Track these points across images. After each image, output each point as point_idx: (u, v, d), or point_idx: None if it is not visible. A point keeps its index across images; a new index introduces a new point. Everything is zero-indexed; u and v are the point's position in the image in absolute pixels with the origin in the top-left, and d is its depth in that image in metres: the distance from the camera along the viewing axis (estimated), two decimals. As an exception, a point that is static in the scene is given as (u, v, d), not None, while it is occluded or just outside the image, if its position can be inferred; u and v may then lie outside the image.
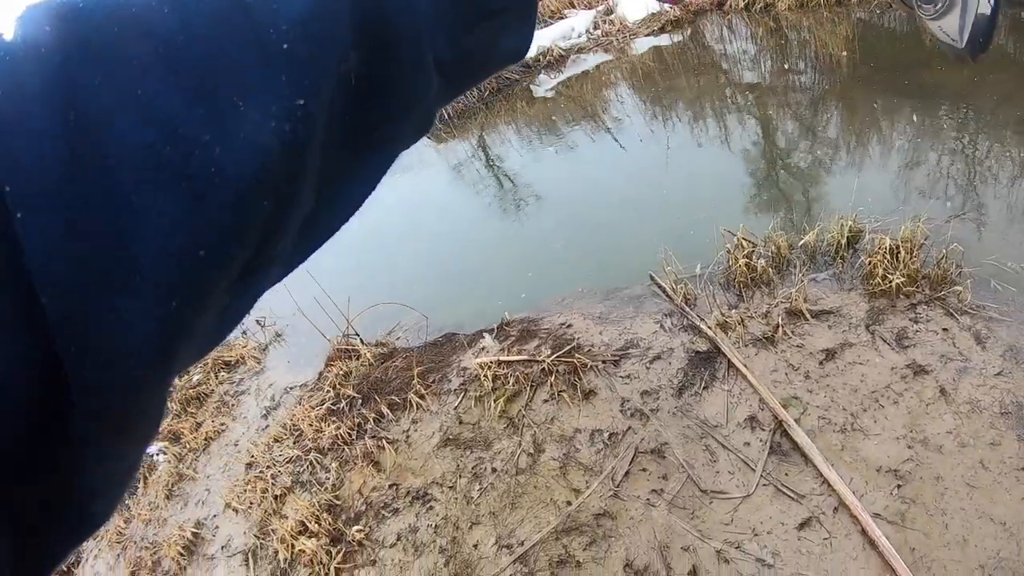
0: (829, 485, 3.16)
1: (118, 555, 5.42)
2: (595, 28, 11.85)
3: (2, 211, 0.30)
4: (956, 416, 3.29)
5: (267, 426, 5.47)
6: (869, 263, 4.16)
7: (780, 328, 3.98)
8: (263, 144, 0.36)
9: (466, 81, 0.51)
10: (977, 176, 4.98)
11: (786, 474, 3.31)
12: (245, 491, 4.74)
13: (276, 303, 7.03)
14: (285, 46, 0.37)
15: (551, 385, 4.20)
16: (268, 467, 4.79)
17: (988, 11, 0.59)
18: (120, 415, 0.35)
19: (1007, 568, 2.71)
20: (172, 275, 0.34)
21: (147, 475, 5.78)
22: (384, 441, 4.40)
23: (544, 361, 4.32)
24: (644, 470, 3.55)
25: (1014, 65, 6.61)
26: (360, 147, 0.44)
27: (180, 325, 0.35)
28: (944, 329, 3.75)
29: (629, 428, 3.78)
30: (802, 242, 4.55)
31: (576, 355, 4.28)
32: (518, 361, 4.44)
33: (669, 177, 6.60)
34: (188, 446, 5.77)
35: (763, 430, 3.53)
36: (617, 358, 4.23)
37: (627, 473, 3.56)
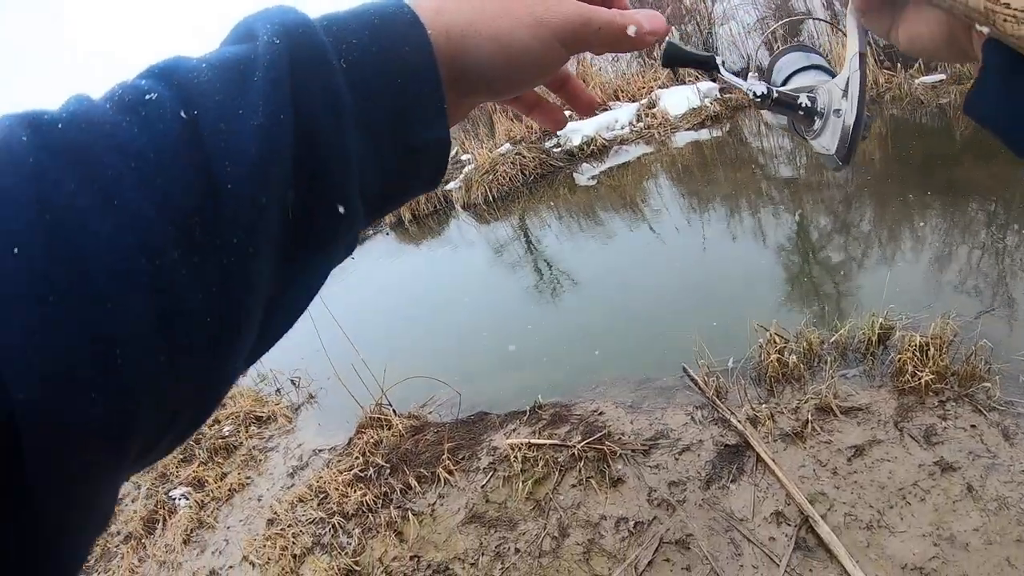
0: (854, 583, 3.16)
1: (127, 593, 5.44)
2: (638, 120, 12.13)
3: None
4: (983, 513, 3.28)
5: (292, 485, 5.52)
6: (899, 360, 4.19)
7: (809, 424, 4.01)
8: (213, 276, 0.39)
9: (387, 208, 0.55)
10: (1007, 271, 5.02)
11: (810, 570, 3.29)
12: (264, 546, 4.77)
13: (313, 365, 7.14)
14: (231, 186, 0.40)
15: (580, 471, 4.23)
16: (290, 525, 4.83)
17: (850, 130, 0.76)
18: (72, 501, 0.37)
19: (1034, 670, 2.71)
20: (141, 377, 0.36)
21: (167, 517, 5.82)
22: (409, 512, 4.44)
23: (574, 447, 4.36)
24: (668, 560, 3.56)
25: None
26: (295, 272, 0.48)
27: (138, 422, 0.37)
28: (972, 426, 3.75)
29: (655, 518, 3.80)
30: (833, 339, 4.60)
31: (606, 443, 4.32)
32: (548, 445, 4.49)
33: (704, 269, 6.71)
34: (211, 494, 5.82)
35: (789, 525, 3.53)
36: (647, 447, 4.27)
37: (651, 562, 3.56)
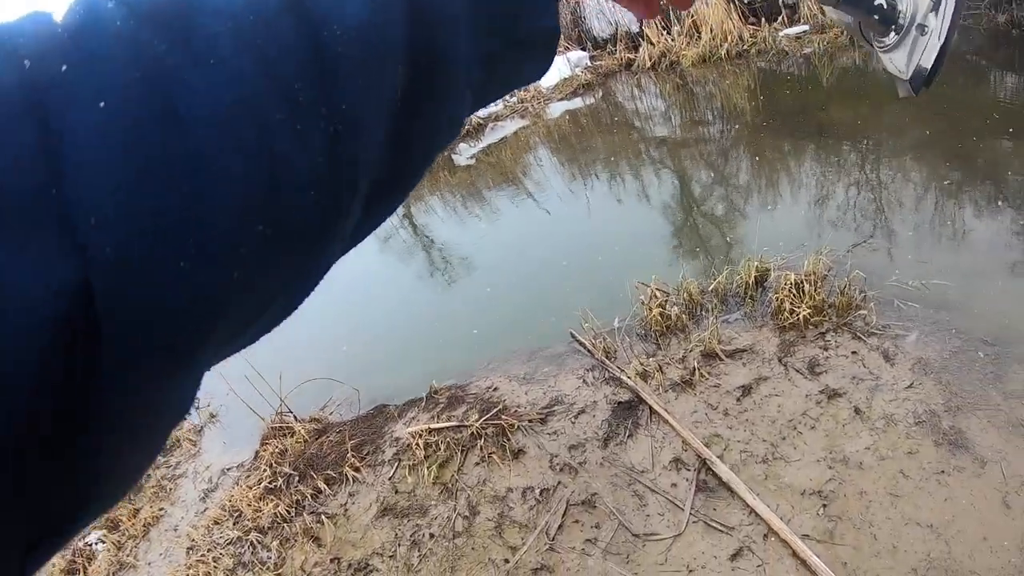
0: (756, 514, 3.27)
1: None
2: (510, 95, 12.13)
3: (55, 144, 0.30)
4: (872, 432, 3.46)
5: (206, 508, 5.40)
6: (776, 299, 4.34)
7: (697, 371, 4.12)
8: (318, 142, 0.37)
9: (491, 97, 0.53)
10: (876, 205, 5.25)
11: (714, 509, 3.41)
12: (187, 575, 4.68)
13: (209, 384, 6.99)
14: (339, 49, 0.37)
15: (481, 448, 4.26)
16: (209, 550, 4.73)
17: (933, 56, 0.64)
18: (147, 379, 0.34)
19: (939, 568, 2.84)
20: (240, 245, 0.34)
21: (86, 565, 5.66)
22: (323, 516, 4.39)
23: (472, 425, 4.38)
24: (577, 521, 3.62)
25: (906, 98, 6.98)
26: (399, 155, 0.45)
27: (230, 297, 0.35)
28: (853, 352, 3.94)
29: (559, 482, 3.85)
30: (712, 286, 4.74)
31: (503, 417, 4.36)
32: (447, 428, 4.50)
33: (589, 235, 6.78)
34: (127, 533, 5.66)
35: (688, 470, 3.63)
36: (543, 416, 4.32)
37: (561, 526, 3.62)
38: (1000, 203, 4.87)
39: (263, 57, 0.35)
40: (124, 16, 0.33)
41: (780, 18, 10.13)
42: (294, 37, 0.36)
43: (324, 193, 0.38)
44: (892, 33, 0.68)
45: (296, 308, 0.45)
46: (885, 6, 0.67)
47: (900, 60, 0.68)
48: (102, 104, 0.30)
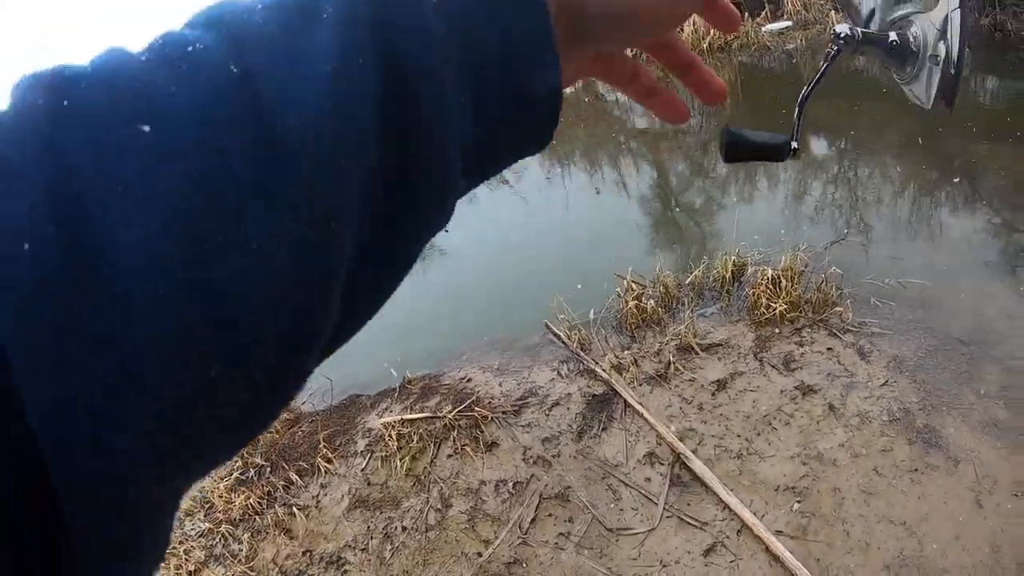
0: (730, 510, 3.27)
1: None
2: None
3: None
4: (847, 429, 3.46)
5: (177, 501, 5.36)
6: (753, 294, 4.34)
7: (672, 364, 4.11)
8: (277, 256, 0.32)
9: (487, 173, 0.46)
10: (856, 201, 5.26)
11: (688, 504, 3.40)
12: (159, 569, 4.62)
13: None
14: (300, 148, 0.32)
15: (454, 440, 4.23)
16: (181, 542, 4.67)
17: (949, 76, 0.65)
18: (113, 538, 0.31)
19: (911, 565, 2.85)
20: (176, 390, 0.30)
21: None
22: (294, 508, 4.35)
23: (446, 417, 4.35)
24: (550, 515, 3.60)
25: (889, 94, 7.02)
26: (386, 245, 0.39)
27: (179, 447, 0.32)
28: (829, 349, 3.95)
29: (532, 475, 3.83)
30: (688, 280, 4.74)
31: (476, 408, 4.33)
32: (420, 419, 4.47)
33: (567, 225, 6.76)
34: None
35: (662, 464, 3.62)
36: (517, 408, 4.30)
37: (534, 520, 3.60)
38: (977, 204, 4.90)
39: (212, 167, 0.30)
40: (53, 119, 0.29)
41: (763, 13, 10.14)
42: (249, 140, 0.31)
43: (289, 320, 0.33)
44: (909, 65, 0.70)
45: (261, 431, 0.38)
46: (899, 42, 0.69)
47: (919, 90, 0.70)
48: (25, 246, 0.27)
